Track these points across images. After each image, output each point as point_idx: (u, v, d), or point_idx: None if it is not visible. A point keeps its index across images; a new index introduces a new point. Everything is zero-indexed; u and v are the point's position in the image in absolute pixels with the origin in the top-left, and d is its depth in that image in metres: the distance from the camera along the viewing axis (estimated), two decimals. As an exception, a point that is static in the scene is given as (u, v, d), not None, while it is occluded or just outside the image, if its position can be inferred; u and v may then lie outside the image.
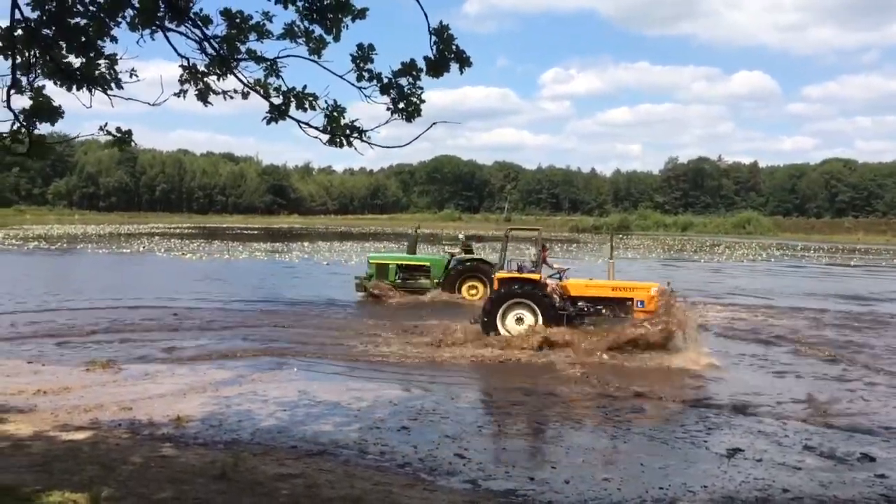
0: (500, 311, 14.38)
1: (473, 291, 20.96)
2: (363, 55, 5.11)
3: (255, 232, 71.43)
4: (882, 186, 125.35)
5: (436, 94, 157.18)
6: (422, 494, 6.46)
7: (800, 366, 13.20)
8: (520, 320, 14.40)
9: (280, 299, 20.75)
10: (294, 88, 5.29)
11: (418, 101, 5.26)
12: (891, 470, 7.70)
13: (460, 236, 27.94)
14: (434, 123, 5.57)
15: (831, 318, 19.53)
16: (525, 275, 14.77)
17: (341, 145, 5.38)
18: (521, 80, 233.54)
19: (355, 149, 5.29)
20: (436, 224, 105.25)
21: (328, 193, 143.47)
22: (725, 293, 25.40)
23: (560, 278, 15.16)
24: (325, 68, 5.18)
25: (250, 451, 7.51)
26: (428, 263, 21.95)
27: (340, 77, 5.14)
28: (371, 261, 22.14)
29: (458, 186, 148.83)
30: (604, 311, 14.67)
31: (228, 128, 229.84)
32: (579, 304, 14.82)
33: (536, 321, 14.23)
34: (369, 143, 5.34)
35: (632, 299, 14.56)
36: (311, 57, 5.44)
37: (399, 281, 21.33)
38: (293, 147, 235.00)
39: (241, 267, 31.96)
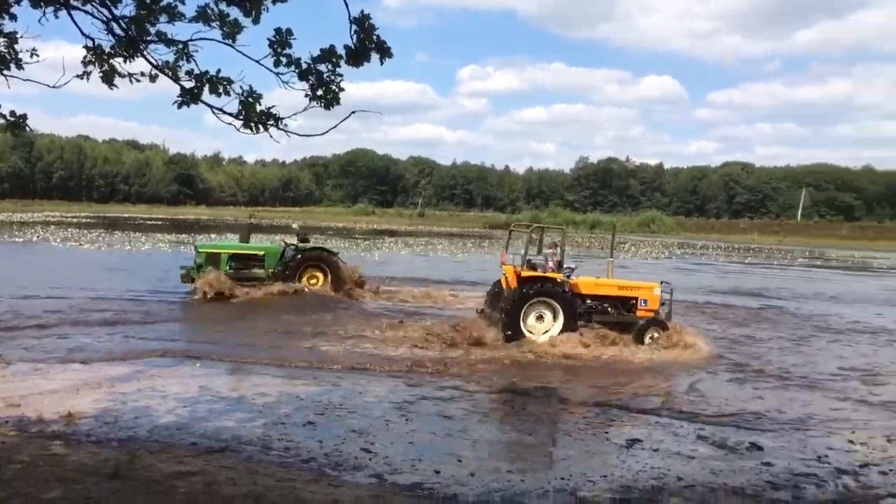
0: (523, 312, 14.11)
1: (314, 281, 20.02)
2: (281, 40, 4.98)
3: (160, 223, 69.04)
4: (776, 190, 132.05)
5: (355, 87, 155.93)
6: (326, 490, 6.39)
7: (696, 360, 13.73)
8: (540, 318, 14.25)
9: (182, 291, 20.09)
10: (207, 72, 5.10)
11: (337, 89, 5.17)
12: (776, 458, 8.12)
13: (294, 225, 26.74)
14: (353, 112, 5.48)
15: (727, 312, 20.44)
16: (547, 273, 14.55)
17: (257, 130, 5.24)
18: (439, 76, 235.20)
19: (271, 136, 5.16)
20: (349, 218, 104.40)
21: (238, 184, 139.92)
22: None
23: (569, 276, 15.00)
24: (240, 52, 5.03)
25: (147, 448, 7.25)
26: (262, 252, 20.49)
27: (257, 62, 5.00)
28: (200, 250, 20.07)
29: (373, 180, 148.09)
30: (610, 309, 14.92)
31: (134, 114, 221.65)
32: (588, 302, 14.91)
33: (556, 319, 14.19)
34: (286, 131, 5.22)
35: (636, 298, 14.88)
36: (226, 41, 5.25)
37: (231, 271, 19.63)
38: (202, 136, 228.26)
39: (142, 259, 30.81)
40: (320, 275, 20.17)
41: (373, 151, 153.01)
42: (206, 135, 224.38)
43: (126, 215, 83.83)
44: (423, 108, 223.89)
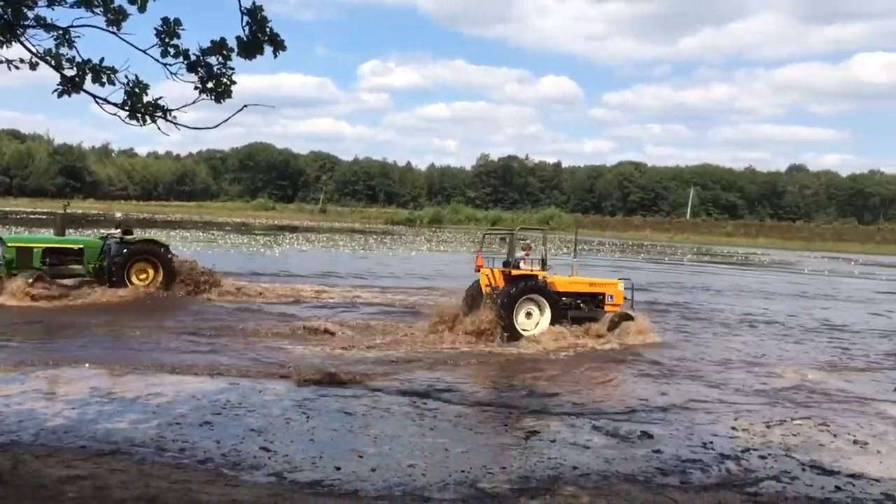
0: (515, 309, 14.48)
1: (144, 276, 18.24)
2: (169, 30, 4.81)
3: (44, 217, 65.43)
4: (667, 188, 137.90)
5: (251, 79, 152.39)
6: (223, 490, 6.26)
7: (591, 353, 14.20)
8: (528, 315, 14.70)
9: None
10: (90, 60, 4.88)
11: (229, 82, 5.04)
12: (666, 446, 8.51)
13: (118, 215, 24.62)
14: (245, 105, 5.37)
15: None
16: (534, 271, 14.88)
17: (143, 122, 5.05)
18: (340, 70, 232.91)
19: (159, 128, 4.99)
20: (247, 213, 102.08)
21: (129, 178, 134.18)
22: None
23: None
24: (125, 41, 4.85)
25: (32, 452, 6.88)
26: (80, 246, 18.60)
27: (143, 52, 4.82)
28: (8, 244, 17.68)
29: (272, 175, 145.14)
30: (582, 305, 15.47)
31: (14, 103, 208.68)
32: (563, 298, 15.21)
33: (542, 315, 14.68)
34: (175, 123, 5.05)
35: (604, 294, 15.55)
36: (110, 28, 5.04)
37: (46, 267, 17.59)
38: (89, 126, 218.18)
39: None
40: (150, 270, 18.32)
41: (272, 145, 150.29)
42: (94, 125, 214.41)
43: (7, 209, 78.96)
44: (324, 103, 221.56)
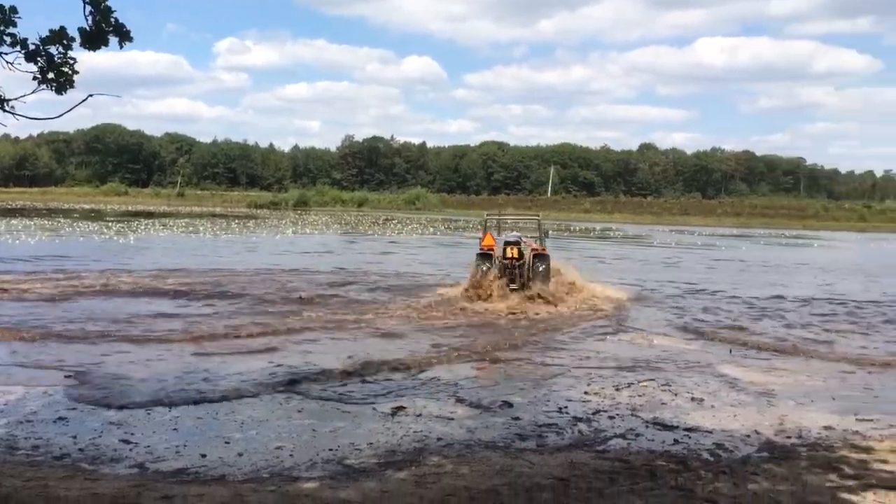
0: None
1: None
2: (4, 18, 4.58)
3: None
4: (529, 167, 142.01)
5: (98, 57, 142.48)
6: (83, 485, 6.11)
7: (462, 325, 14.68)
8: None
9: None
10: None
11: (70, 72, 4.87)
12: (524, 413, 9.02)
13: None
14: (90, 95, 5.21)
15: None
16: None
17: (-26, 112, 4.81)
18: (194, 49, 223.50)
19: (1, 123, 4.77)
20: (97, 199, 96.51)
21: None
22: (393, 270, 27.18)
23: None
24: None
25: None
26: None
27: (-25, 40, 4.59)
28: None
29: (124, 158, 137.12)
30: None
31: None
32: None
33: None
34: (13, 114, 4.83)
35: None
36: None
37: None
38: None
39: None
40: None
41: (122, 127, 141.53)
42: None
43: None
44: (178, 82, 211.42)
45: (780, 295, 21.64)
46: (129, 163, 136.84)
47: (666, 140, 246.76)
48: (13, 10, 4.63)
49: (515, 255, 18.32)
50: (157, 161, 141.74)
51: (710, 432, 8.45)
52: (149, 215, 65.57)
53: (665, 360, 12.51)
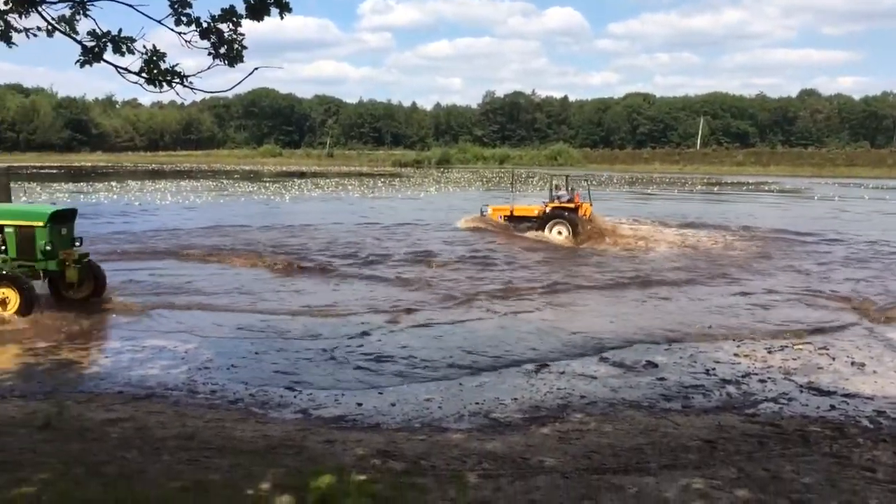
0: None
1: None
2: (181, 0, 5.04)
3: (54, 171, 65.86)
4: (676, 119, 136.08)
5: (250, 24, 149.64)
6: (254, 427, 6.73)
7: (612, 286, 14.61)
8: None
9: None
10: (109, 32, 5.12)
11: (240, 48, 5.27)
12: (670, 373, 8.94)
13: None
14: (256, 68, 5.60)
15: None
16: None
17: (161, 88, 5.31)
18: (339, 11, 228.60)
19: (178, 94, 5.26)
20: (255, 160, 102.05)
21: (135, 129, 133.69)
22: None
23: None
24: (140, 13, 5.06)
25: (74, 399, 7.38)
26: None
27: (158, 22, 5.05)
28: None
29: (278, 121, 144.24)
30: None
31: (14, 55, 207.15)
32: None
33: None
34: (192, 88, 5.31)
35: None
36: (124, 0, 5.24)
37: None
38: (92, 77, 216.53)
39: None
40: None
41: (275, 90, 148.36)
42: (97, 76, 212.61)
43: (16, 164, 79.28)
44: (326, 45, 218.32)
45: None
46: (282, 125, 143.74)
47: (830, 85, 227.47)
48: (189, -9, 5.06)
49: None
50: (308, 123, 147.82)
51: (871, 399, 8.05)
52: (301, 175, 68.75)
53: (823, 321, 11.93)
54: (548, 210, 22.74)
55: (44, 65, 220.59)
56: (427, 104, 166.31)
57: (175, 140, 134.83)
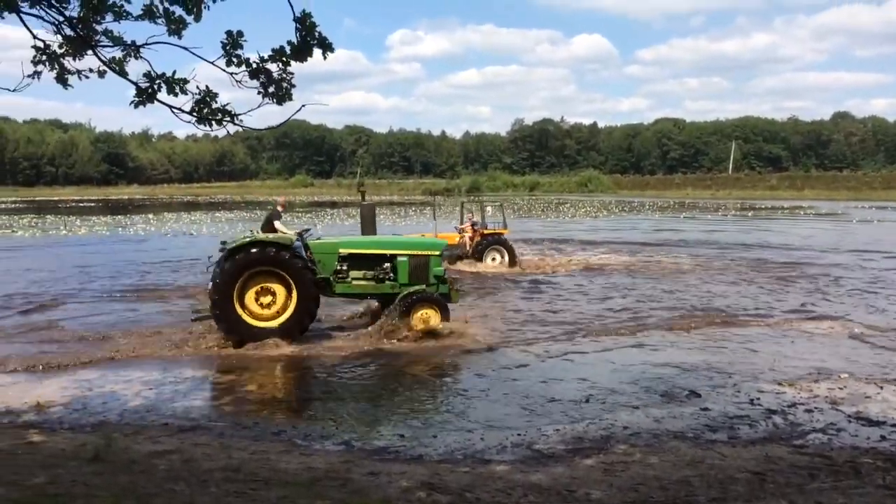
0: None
1: None
2: (232, 41, 5.18)
3: (93, 205, 67.27)
4: (707, 144, 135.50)
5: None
6: (299, 459, 6.76)
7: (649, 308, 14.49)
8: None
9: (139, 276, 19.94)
10: (164, 73, 5.29)
11: (288, 86, 5.41)
12: (714, 404, 8.80)
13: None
14: (304, 105, 5.74)
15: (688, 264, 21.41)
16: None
17: (211, 126, 5.46)
18: (368, 43, 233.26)
19: (228, 132, 5.41)
20: (287, 191, 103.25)
21: (170, 161, 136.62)
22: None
23: None
24: (193, 54, 5.22)
25: (121, 431, 7.48)
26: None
27: (211, 63, 5.21)
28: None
29: (309, 151, 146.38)
30: None
31: (54, 93, 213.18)
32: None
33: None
34: (241, 126, 5.46)
35: None
36: (178, 43, 5.40)
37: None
38: (129, 112, 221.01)
39: (74, 242, 30.21)
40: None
41: (306, 122, 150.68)
42: (133, 111, 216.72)
43: (55, 198, 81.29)
44: (355, 76, 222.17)
45: None
46: (313, 156, 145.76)
47: (864, 107, 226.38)
48: (239, 34, 5.22)
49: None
50: (339, 153, 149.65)
51: (924, 429, 7.84)
52: (333, 205, 69.39)
53: (868, 348, 11.70)
54: (477, 238, 22.11)
55: (81, 101, 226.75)
56: (456, 133, 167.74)
57: (209, 172, 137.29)
